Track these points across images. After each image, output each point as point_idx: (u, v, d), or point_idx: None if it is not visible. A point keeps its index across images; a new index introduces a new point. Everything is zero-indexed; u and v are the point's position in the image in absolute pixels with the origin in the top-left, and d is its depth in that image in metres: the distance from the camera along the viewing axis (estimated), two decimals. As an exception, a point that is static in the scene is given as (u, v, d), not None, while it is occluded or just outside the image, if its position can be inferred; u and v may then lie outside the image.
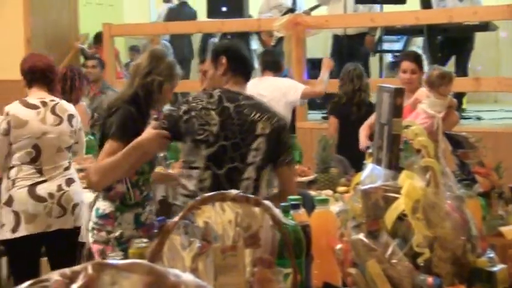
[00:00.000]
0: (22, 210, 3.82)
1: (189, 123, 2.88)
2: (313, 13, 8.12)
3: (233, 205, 1.59)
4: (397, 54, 8.03)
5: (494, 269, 1.88)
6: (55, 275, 1.03)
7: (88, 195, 4.01)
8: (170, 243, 1.57)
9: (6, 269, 4.81)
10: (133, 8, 11.55)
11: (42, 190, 3.85)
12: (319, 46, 9.34)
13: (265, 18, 7.95)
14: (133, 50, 10.76)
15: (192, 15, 10.05)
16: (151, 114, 3.33)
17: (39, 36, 8.26)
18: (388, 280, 1.78)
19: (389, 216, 1.82)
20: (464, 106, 7.63)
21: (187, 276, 1.07)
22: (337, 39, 7.86)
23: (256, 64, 6.09)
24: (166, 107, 3.48)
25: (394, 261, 1.79)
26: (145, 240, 2.05)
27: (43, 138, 3.87)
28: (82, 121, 4.24)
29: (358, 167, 4.95)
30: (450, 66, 7.17)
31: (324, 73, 5.98)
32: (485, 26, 7.13)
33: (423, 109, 4.44)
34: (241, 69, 3.07)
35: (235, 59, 3.06)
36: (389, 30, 7.94)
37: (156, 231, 1.86)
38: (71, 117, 4.01)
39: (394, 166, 1.98)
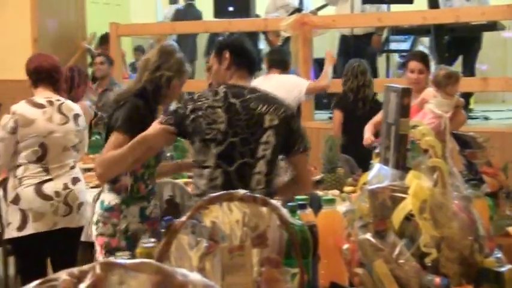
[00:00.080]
0: (29, 208, 3.85)
1: (196, 123, 2.86)
2: (320, 13, 8.12)
3: (240, 205, 1.59)
4: (404, 54, 8.01)
5: (502, 269, 1.87)
6: (63, 275, 1.03)
7: (92, 194, 4.04)
8: (178, 242, 1.57)
9: (14, 268, 4.83)
10: (140, 7, 11.56)
11: (48, 189, 3.88)
12: (326, 46, 9.29)
13: (272, 18, 7.95)
14: (138, 50, 10.78)
15: (198, 17, 10.06)
16: (159, 110, 3.34)
17: (46, 36, 8.28)
18: (395, 280, 1.78)
19: (397, 216, 1.82)
20: (471, 106, 7.62)
21: (195, 276, 1.07)
22: (344, 39, 7.85)
23: (263, 64, 6.09)
24: (173, 104, 3.48)
25: (401, 261, 1.78)
26: (152, 239, 2.05)
27: (50, 137, 3.90)
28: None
29: (364, 165, 4.96)
30: (457, 66, 7.16)
31: (328, 67, 5.96)
32: (492, 26, 7.11)
33: (430, 109, 4.44)
34: (245, 63, 3.04)
35: (238, 53, 3.03)
36: (397, 30, 7.93)
37: (162, 230, 1.86)
38: (76, 116, 4.05)
39: (401, 166, 1.98)
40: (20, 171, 3.89)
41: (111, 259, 1.13)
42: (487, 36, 7.65)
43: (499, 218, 3.27)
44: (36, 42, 8.19)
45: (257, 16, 8.86)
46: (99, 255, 3.34)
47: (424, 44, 8.55)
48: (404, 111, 2.00)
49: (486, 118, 7.26)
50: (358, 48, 7.55)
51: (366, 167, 2.24)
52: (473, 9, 6.80)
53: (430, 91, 4.55)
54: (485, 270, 1.86)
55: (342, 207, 2.21)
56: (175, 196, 4.30)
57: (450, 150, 2.00)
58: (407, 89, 2.04)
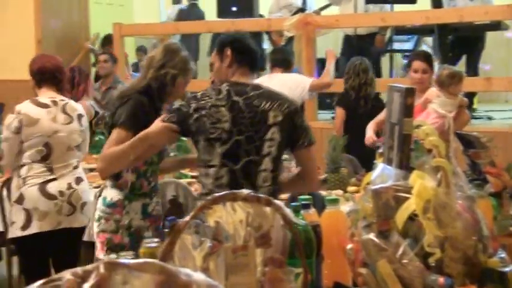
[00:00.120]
0: (33, 207, 3.86)
1: (199, 122, 2.84)
2: (323, 13, 8.12)
3: (244, 205, 1.59)
4: (407, 54, 8.01)
5: (506, 269, 1.87)
6: (67, 274, 1.03)
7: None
8: (181, 242, 1.57)
9: (17, 268, 4.84)
10: (144, 8, 11.57)
11: (52, 188, 3.90)
12: (330, 46, 9.31)
13: (276, 18, 7.95)
14: (141, 50, 10.78)
15: (201, 17, 10.06)
16: (163, 108, 3.33)
17: (50, 36, 8.29)
18: (399, 280, 1.77)
19: (400, 216, 1.82)
20: (475, 106, 7.61)
21: (199, 276, 1.07)
22: (348, 39, 7.84)
23: (267, 63, 6.10)
24: (176, 103, 3.47)
25: (405, 261, 1.78)
26: (155, 239, 2.06)
27: (54, 137, 3.92)
28: None
29: (366, 163, 4.95)
30: (461, 65, 7.15)
31: (329, 64, 5.96)
32: (496, 26, 7.11)
33: (434, 109, 4.43)
34: (247, 60, 3.01)
35: (240, 51, 3.00)
36: (400, 30, 7.92)
37: (166, 230, 1.86)
38: (80, 116, 4.09)
39: (405, 166, 1.98)
40: (24, 171, 3.91)
41: (115, 259, 1.13)
42: (490, 36, 7.64)
43: (503, 218, 3.26)
44: (39, 43, 8.21)
45: (261, 16, 8.86)
46: (100, 253, 3.33)
47: (427, 44, 8.54)
48: (407, 111, 2.00)
49: (489, 118, 7.25)
50: (361, 48, 7.55)
51: (368, 166, 2.24)
52: (477, 9, 6.79)
53: (433, 91, 4.54)
54: (489, 270, 1.86)
55: (345, 207, 2.21)
56: (179, 196, 4.30)
57: (454, 150, 2.00)
58: (410, 88, 2.04)
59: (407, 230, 1.83)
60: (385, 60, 8.22)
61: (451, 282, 1.77)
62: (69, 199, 3.92)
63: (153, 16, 11.60)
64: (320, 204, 2.20)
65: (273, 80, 5.37)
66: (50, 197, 3.88)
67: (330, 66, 5.93)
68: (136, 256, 2.05)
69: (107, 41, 8.58)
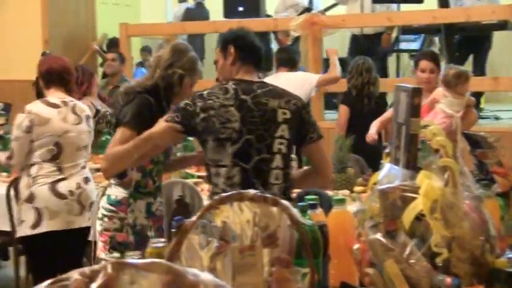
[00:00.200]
0: (44, 206, 3.91)
1: (208, 123, 2.81)
2: (330, 13, 8.11)
3: (251, 205, 1.59)
4: (414, 54, 8.00)
5: (513, 269, 1.86)
6: (75, 274, 1.03)
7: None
8: (188, 242, 1.57)
9: (25, 268, 4.85)
10: (150, 8, 11.59)
11: (63, 187, 3.94)
12: (336, 45, 9.29)
13: (282, 18, 7.94)
14: (145, 50, 10.80)
15: (206, 17, 10.08)
16: (171, 108, 3.32)
17: (57, 37, 8.32)
18: (406, 280, 1.77)
19: (407, 216, 1.82)
20: (482, 106, 7.60)
21: (206, 276, 1.07)
22: (355, 38, 7.83)
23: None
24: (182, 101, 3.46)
25: (412, 261, 1.78)
26: (162, 239, 2.06)
27: (64, 137, 3.97)
28: None
29: (371, 163, 4.93)
30: (467, 65, 7.14)
31: (333, 59, 5.97)
32: (503, 25, 7.09)
33: (441, 109, 4.42)
34: (251, 57, 2.98)
35: (243, 48, 2.97)
36: (407, 30, 7.91)
37: (173, 230, 1.86)
38: (88, 117, 4.15)
39: (412, 166, 1.98)
40: (34, 170, 3.94)
41: (122, 259, 1.13)
42: (497, 36, 7.62)
43: (510, 218, 3.24)
44: (46, 43, 8.23)
45: (268, 16, 8.86)
46: (101, 252, 3.32)
47: (436, 45, 8.52)
48: (414, 111, 2.00)
49: (497, 118, 7.24)
50: (368, 48, 7.54)
51: (374, 165, 2.25)
52: (484, 9, 6.77)
53: (440, 91, 4.53)
54: (497, 270, 1.86)
55: (352, 207, 2.21)
56: (185, 196, 4.30)
57: (461, 150, 2.00)
58: (417, 88, 2.04)
59: (415, 230, 1.83)
60: (391, 60, 8.20)
61: (458, 282, 1.77)
62: (79, 198, 3.97)
63: (160, 16, 11.62)
64: (327, 204, 2.19)
65: (279, 79, 5.37)
66: (60, 196, 3.92)
67: (335, 61, 5.94)
68: (143, 256, 2.05)
69: (112, 44, 8.54)
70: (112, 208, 3.30)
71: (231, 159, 2.82)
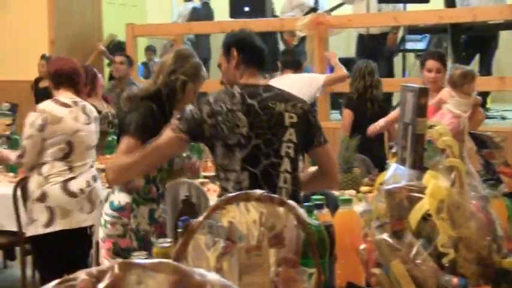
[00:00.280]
0: (57, 205, 3.96)
1: (216, 129, 2.79)
2: (336, 13, 8.11)
3: (257, 205, 1.59)
4: (420, 53, 7.99)
5: (520, 270, 1.86)
6: (82, 274, 1.04)
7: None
8: (195, 243, 1.58)
9: (31, 268, 4.86)
10: (156, 8, 11.59)
11: (74, 186, 4.01)
12: (342, 45, 9.32)
13: (288, 18, 7.95)
14: (150, 50, 10.80)
15: (211, 17, 10.08)
16: (174, 115, 3.31)
17: (63, 37, 8.34)
18: (413, 280, 1.77)
19: (414, 216, 1.81)
20: (488, 105, 7.58)
21: (213, 276, 1.07)
22: (361, 38, 7.83)
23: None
24: (187, 107, 3.45)
25: (418, 261, 1.78)
26: (168, 239, 2.06)
27: (76, 136, 4.04)
28: None
29: (376, 165, 4.92)
30: (474, 65, 7.12)
31: (335, 61, 5.99)
32: (510, 25, 7.07)
33: (448, 109, 4.42)
34: (254, 60, 2.96)
35: (246, 51, 2.95)
36: (413, 30, 7.90)
37: (179, 230, 1.87)
38: (96, 118, 4.24)
39: (418, 166, 1.97)
40: (45, 169, 3.99)
41: (129, 259, 1.13)
42: (504, 35, 7.60)
43: (517, 218, 3.24)
44: (53, 44, 8.25)
45: (275, 17, 8.86)
46: (104, 259, 3.31)
47: (443, 45, 8.50)
48: (421, 111, 1.99)
49: (503, 117, 7.22)
50: (374, 48, 7.54)
51: (379, 167, 2.25)
52: (490, 8, 6.76)
53: (446, 91, 4.53)
54: (504, 270, 1.85)
55: (358, 207, 2.21)
56: (192, 196, 4.30)
57: (468, 149, 1.99)
58: (424, 88, 2.04)
59: (421, 230, 1.83)
60: (397, 60, 8.19)
61: (464, 282, 1.76)
62: (89, 196, 4.04)
63: (166, 16, 11.62)
64: (333, 204, 2.19)
65: (284, 81, 5.37)
66: (72, 194, 3.98)
67: (337, 63, 5.96)
68: (149, 257, 2.05)
69: (117, 47, 8.45)
70: (115, 214, 3.29)
71: (240, 164, 2.81)
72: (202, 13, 10.12)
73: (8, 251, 5.62)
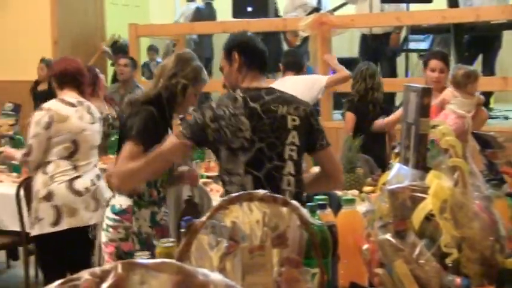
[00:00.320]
0: (63, 204, 3.99)
1: (219, 133, 2.80)
2: (339, 12, 8.10)
3: (260, 205, 1.59)
4: (423, 53, 7.98)
5: (524, 270, 1.86)
6: (85, 274, 1.04)
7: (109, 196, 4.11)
8: (198, 243, 1.58)
9: (34, 268, 4.87)
10: (159, 8, 11.60)
11: (79, 185, 4.04)
12: (345, 45, 9.31)
13: (291, 18, 7.94)
14: (152, 49, 10.79)
15: (213, 17, 10.09)
16: (174, 118, 3.31)
17: (66, 37, 8.34)
18: (416, 280, 1.77)
19: (417, 216, 1.81)
20: (491, 105, 7.57)
21: (216, 276, 1.07)
22: (365, 38, 7.82)
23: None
24: (190, 111, 3.45)
25: (421, 261, 1.78)
26: (171, 239, 2.06)
27: (81, 135, 4.08)
28: None
29: (379, 166, 4.92)
30: (477, 65, 7.11)
31: (335, 63, 6.01)
32: (513, 25, 7.07)
33: (452, 110, 4.41)
34: (256, 63, 2.96)
35: (247, 53, 2.95)
36: (416, 29, 7.89)
37: (182, 230, 1.87)
38: (99, 118, 4.29)
39: (421, 166, 1.97)
40: (50, 168, 4.02)
41: (132, 259, 1.13)
42: (507, 35, 7.59)
43: (520, 218, 3.23)
44: (56, 44, 8.25)
45: (279, 17, 8.85)
46: (106, 263, 3.31)
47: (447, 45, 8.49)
48: (424, 111, 1.99)
49: (506, 118, 7.21)
50: (377, 48, 7.53)
51: (382, 167, 2.25)
52: (493, 8, 6.74)
53: (449, 91, 4.52)
54: (507, 270, 1.85)
55: (361, 207, 2.21)
56: (194, 196, 4.30)
57: (471, 149, 1.99)
58: (427, 88, 2.03)
59: (424, 230, 1.83)
60: (400, 60, 8.19)
61: (468, 282, 1.76)
62: (94, 194, 4.07)
63: (169, 17, 11.63)
64: (336, 204, 2.19)
65: (286, 83, 5.36)
66: (77, 193, 4.02)
67: (337, 63, 5.97)
68: (152, 257, 2.06)
69: (119, 49, 8.38)
70: (117, 217, 3.29)
71: (243, 167, 2.81)
72: (205, 13, 10.12)
73: (11, 250, 5.63)
